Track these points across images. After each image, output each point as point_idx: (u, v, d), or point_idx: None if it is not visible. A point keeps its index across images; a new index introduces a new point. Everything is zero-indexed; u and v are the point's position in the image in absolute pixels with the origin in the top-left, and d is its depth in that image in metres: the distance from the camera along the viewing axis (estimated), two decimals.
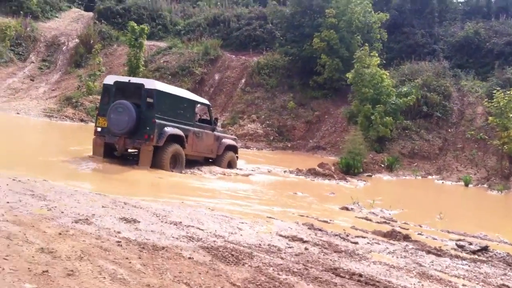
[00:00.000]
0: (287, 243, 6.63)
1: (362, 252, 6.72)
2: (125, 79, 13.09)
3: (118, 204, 7.43)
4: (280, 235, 7.07)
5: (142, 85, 12.04)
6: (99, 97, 14.04)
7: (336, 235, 7.66)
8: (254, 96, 28.24)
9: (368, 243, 7.43)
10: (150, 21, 35.68)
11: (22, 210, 6.14)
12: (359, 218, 9.86)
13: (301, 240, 6.89)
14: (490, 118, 20.83)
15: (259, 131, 25.19)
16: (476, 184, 19.55)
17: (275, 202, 10.87)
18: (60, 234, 5.27)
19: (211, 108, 14.70)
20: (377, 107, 20.54)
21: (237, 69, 31.41)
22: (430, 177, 20.51)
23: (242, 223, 7.56)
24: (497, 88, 22.15)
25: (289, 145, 24.55)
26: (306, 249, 6.41)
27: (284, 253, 6.09)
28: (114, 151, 12.44)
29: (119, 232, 5.77)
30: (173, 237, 5.99)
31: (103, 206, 7.06)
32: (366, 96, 21.01)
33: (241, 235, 6.72)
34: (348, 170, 17.20)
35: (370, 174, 18.24)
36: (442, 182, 19.57)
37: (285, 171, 15.98)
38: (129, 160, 13.05)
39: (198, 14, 38.63)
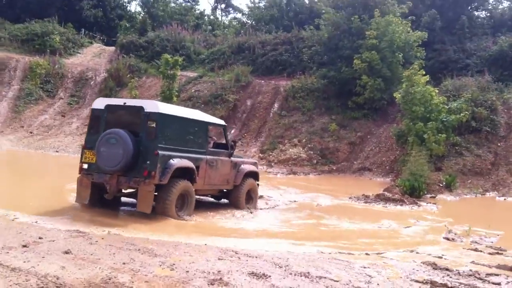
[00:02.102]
0: None
1: None
2: (119, 101, 10.18)
3: (231, 254, 6.79)
4: (416, 281, 6.35)
5: (141, 108, 9.33)
6: None
7: (469, 275, 6.93)
8: (291, 120, 27.55)
9: (508, 282, 6.68)
10: (173, 52, 35.22)
11: (144, 271, 5.51)
12: (467, 249, 9.09)
13: (445, 286, 6.15)
14: None
15: (302, 155, 24.41)
16: None
17: (368, 235, 10.13)
18: None
19: (226, 129, 12.08)
20: (429, 124, 19.78)
21: (268, 94, 30.84)
22: (488, 194, 19.61)
23: (365, 267, 6.86)
24: None
25: (334, 168, 23.70)
26: None
27: None
28: (104, 193, 9.66)
29: None
30: None
31: (219, 259, 6.42)
32: (416, 114, 20.27)
33: (377, 284, 6.01)
34: (413, 192, 16.37)
35: (433, 195, 17.39)
36: (504, 199, 18.67)
37: (350, 198, 15.19)
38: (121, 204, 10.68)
39: (221, 43, 38.32)
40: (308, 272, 6.15)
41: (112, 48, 39.69)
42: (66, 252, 6.01)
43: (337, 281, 5.93)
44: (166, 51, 33.47)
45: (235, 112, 29.84)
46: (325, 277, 6.02)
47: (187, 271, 5.66)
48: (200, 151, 10.26)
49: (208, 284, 5.23)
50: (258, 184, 12.26)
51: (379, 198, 14.64)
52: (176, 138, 9.66)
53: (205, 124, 10.62)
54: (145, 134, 9.19)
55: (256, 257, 6.70)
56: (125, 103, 9.84)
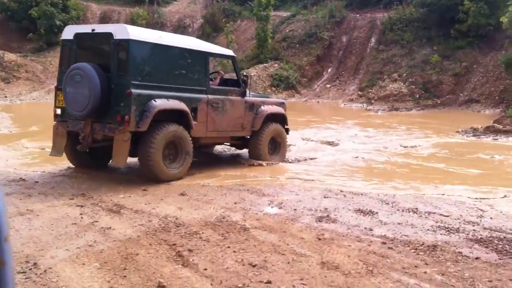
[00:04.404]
0: None
1: None
2: (88, 28, 8.24)
3: (336, 192, 6.86)
4: None
5: (110, 35, 7.32)
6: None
7: None
8: (390, 54, 26.56)
9: None
10: None
11: (255, 210, 5.77)
12: None
13: None
14: None
15: (403, 91, 23.61)
16: None
17: (478, 167, 9.78)
18: (320, 239, 4.79)
19: (236, 62, 9.38)
20: None
21: (364, 28, 29.85)
22: None
23: (476, 201, 6.65)
24: None
25: (438, 102, 22.74)
26: None
27: None
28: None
29: (371, 229, 5.19)
30: (428, 230, 5.29)
31: (325, 197, 6.53)
32: None
33: (490, 218, 5.84)
34: None
35: None
36: None
37: (457, 131, 14.60)
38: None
39: None
40: (416, 208, 6.11)
41: None
42: (182, 194, 6.42)
43: (447, 216, 5.84)
44: None
45: (330, 50, 29.34)
46: (434, 213, 5.95)
47: (295, 209, 5.84)
48: (198, 89, 8.16)
49: (316, 221, 5.38)
50: (287, 130, 9.90)
51: (489, 130, 13.94)
52: (159, 73, 7.60)
53: (203, 55, 8.34)
54: (116, 68, 7.28)
55: (361, 195, 6.75)
56: (93, 30, 7.89)
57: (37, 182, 7.00)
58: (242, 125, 8.99)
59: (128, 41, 7.13)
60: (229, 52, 9.38)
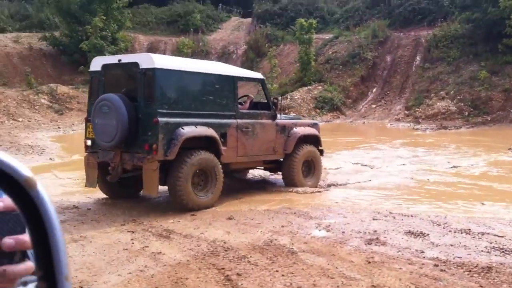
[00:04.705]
0: None
1: None
2: (115, 59, 8.19)
3: (386, 214, 6.77)
4: None
5: (136, 64, 7.31)
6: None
7: None
8: (436, 71, 26.18)
9: None
10: (307, 15, 35.10)
11: (302, 233, 5.76)
12: None
13: None
14: None
15: (451, 108, 23.11)
16: None
17: None
18: (369, 262, 4.72)
19: (265, 84, 9.25)
20: None
21: (409, 47, 29.60)
22: None
23: None
24: None
25: (488, 119, 22.15)
26: None
27: None
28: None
29: (422, 252, 5.08)
30: (481, 251, 5.13)
31: (374, 219, 6.45)
32: None
33: None
34: None
35: None
36: None
37: (510, 149, 14.16)
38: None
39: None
40: (469, 229, 5.94)
41: (249, 20, 40.68)
42: (229, 218, 6.47)
43: (501, 236, 5.66)
44: (300, 16, 33.57)
45: (375, 70, 29.18)
46: (487, 233, 5.78)
47: (343, 232, 5.79)
48: (227, 115, 7.99)
49: (365, 244, 5.32)
50: (321, 151, 9.52)
51: None
52: (186, 100, 7.52)
53: (230, 80, 8.13)
54: (143, 97, 7.23)
55: (411, 216, 6.62)
56: (120, 60, 7.82)
57: (90, 209, 7.23)
58: (274, 148, 8.74)
59: (153, 70, 7.08)
60: (258, 75, 9.35)
